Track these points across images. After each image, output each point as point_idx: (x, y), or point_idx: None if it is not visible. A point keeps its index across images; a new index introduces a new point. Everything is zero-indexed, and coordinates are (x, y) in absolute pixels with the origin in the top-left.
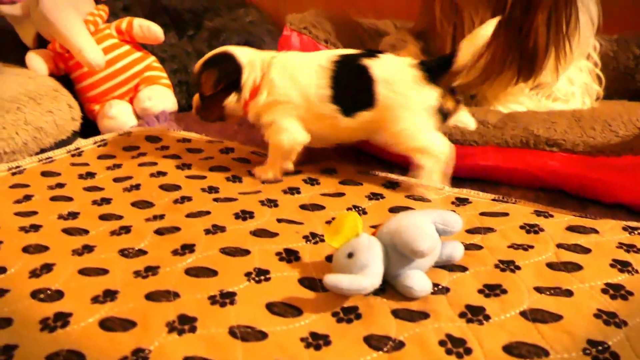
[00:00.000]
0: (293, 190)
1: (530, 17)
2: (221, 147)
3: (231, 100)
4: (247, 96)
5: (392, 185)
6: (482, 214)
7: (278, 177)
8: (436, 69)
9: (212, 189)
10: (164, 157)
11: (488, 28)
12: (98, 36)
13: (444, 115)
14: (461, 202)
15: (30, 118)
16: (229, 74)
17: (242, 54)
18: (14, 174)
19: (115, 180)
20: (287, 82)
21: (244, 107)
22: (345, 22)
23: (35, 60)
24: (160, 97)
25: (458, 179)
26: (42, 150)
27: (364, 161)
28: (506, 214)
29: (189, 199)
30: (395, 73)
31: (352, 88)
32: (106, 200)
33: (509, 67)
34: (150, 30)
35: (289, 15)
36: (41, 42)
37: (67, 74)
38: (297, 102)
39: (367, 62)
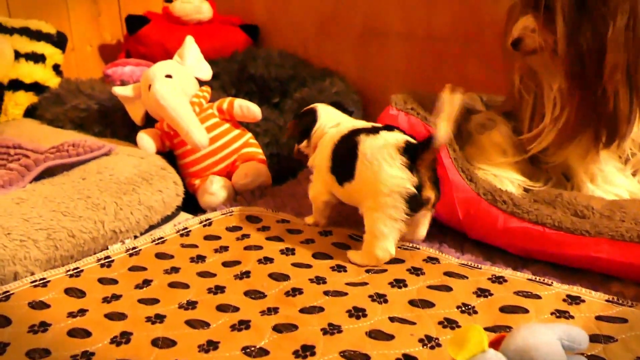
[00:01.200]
0: (400, 283)
1: (604, 80)
2: (319, 229)
3: (304, 145)
4: (312, 147)
5: (498, 279)
6: (598, 318)
7: (317, 224)
8: (416, 151)
9: (319, 280)
10: (267, 240)
11: (456, 102)
12: (202, 116)
13: (418, 203)
14: (573, 300)
15: (143, 198)
16: (302, 124)
17: (324, 111)
18: (131, 255)
19: (225, 264)
20: (318, 152)
21: (311, 155)
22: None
23: (146, 140)
24: (257, 174)
25: (566, 267)
26: (151, 227)
27: (467, 250)
28: (625, 320)
29: (300, 291)
30: (376, 151)
31: (342, 161)
32: (220, 289)
33: (585, 131)
34: (250, 110)
35: (393, 95)
36: (148, 120)
37: (171, 150)
38: (321, 170)
39: (362, 137)
